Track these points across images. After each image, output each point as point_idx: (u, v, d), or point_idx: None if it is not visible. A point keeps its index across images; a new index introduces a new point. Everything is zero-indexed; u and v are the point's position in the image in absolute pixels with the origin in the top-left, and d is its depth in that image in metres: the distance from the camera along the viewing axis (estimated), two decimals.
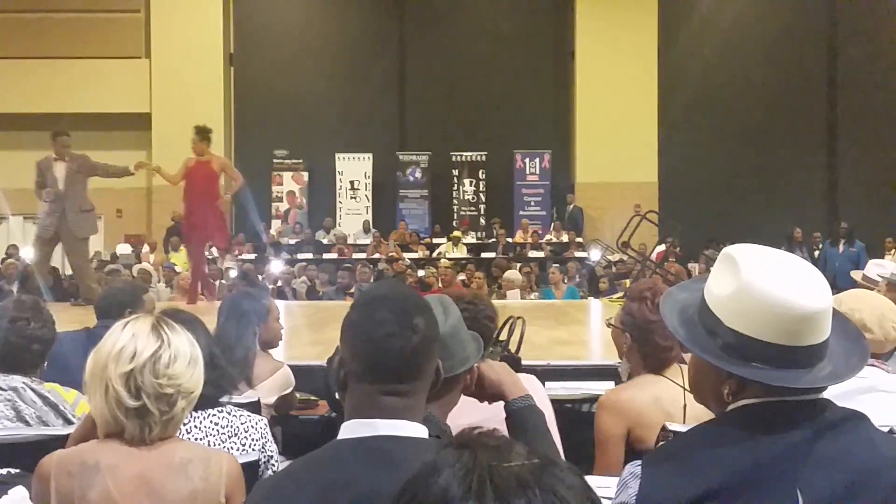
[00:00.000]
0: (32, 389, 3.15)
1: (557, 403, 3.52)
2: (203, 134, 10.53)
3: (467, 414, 2.51)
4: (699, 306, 1.89)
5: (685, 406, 2.79)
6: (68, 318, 4.14)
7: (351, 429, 1.79)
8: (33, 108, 19.13)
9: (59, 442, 2.70)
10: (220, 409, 2.87)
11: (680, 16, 20.16)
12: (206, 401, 2.71)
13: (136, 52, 20.02)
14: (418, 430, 1.79)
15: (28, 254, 16.22)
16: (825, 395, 1.85)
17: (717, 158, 19.53)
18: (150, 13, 19.91)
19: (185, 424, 2.67)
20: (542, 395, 3.23)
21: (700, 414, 1.99)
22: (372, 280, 13.43)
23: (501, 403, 2.52)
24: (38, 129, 19.44)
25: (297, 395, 4.53)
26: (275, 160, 19.90)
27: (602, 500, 1.13)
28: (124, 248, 17.65)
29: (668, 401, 2.99)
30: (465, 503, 1.00)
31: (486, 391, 2.44)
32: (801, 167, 19.58)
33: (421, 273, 14.47)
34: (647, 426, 2.99)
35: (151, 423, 2.18)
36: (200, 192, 10.41)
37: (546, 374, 4.50)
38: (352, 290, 12.98)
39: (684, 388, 2.80)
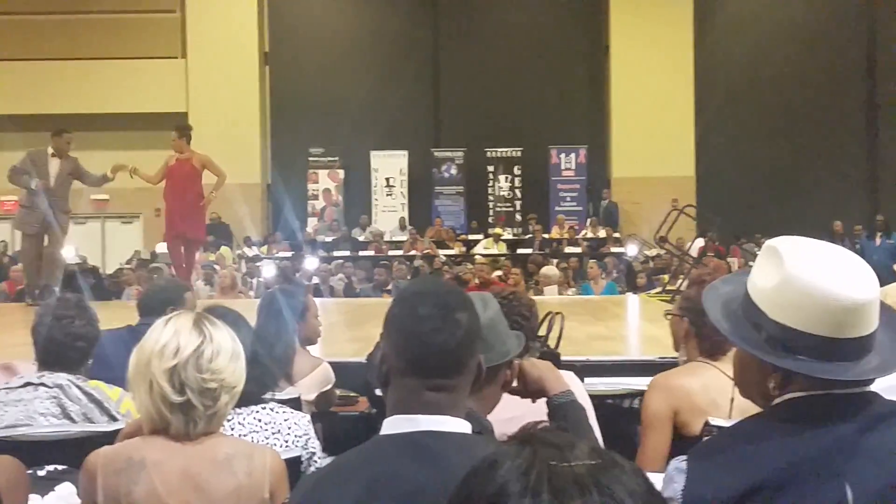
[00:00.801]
0: (77, 387, 3.18)
1: (597, 399, 3.51)
2: (182, 131, 10.58)
3: (506, 409, 2.52)
4: (742, 299, 1.88)
5: (732, 399, 2.78)
6: (111, 317, 4.18)
7: (393, 424, 1.79)
8: (70, 109, 19.31)
9: (105, 439, 2.73)
10: (262, 405, 2.89)
11: (715, 7, 19.99)
12: (249, 397, 2.73)
13: (172, 52, 20.19)
14: (461, 426, 1.79)
15: (70, 253, 16.44)
16: (872, 387, 1.83)
17: (756, 151, 19.34)
18: (185, 13, 20.06)
19: (228, 421, 2.69)
20: (580, 391, 3.22)
21: (747, 408, 1.97)
22: (408, 277, 13.46)
23: (542, 399, 2.53)
24: (74, 130, 19.64)
25: (337, 391, 4.55)
26: (310, 158, 19.98)
27: None
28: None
29: (716, 390, 2.98)
30: (522, 500, 0.99)
31: (528, 388, 2.46)
32: (840, 159, 19.35)
33: (457, 270, 14.47)
34: (693, 411, 3.00)
35: (196, 418, 2.20)
36: (182, 190, 10.42)
37: (585, 369, 4.47)
38: (389, 287, 13.03)
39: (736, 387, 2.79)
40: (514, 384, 2.48)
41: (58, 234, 10.16)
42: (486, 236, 18.72)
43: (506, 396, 2.49)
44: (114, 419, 3.17)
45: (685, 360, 3.27)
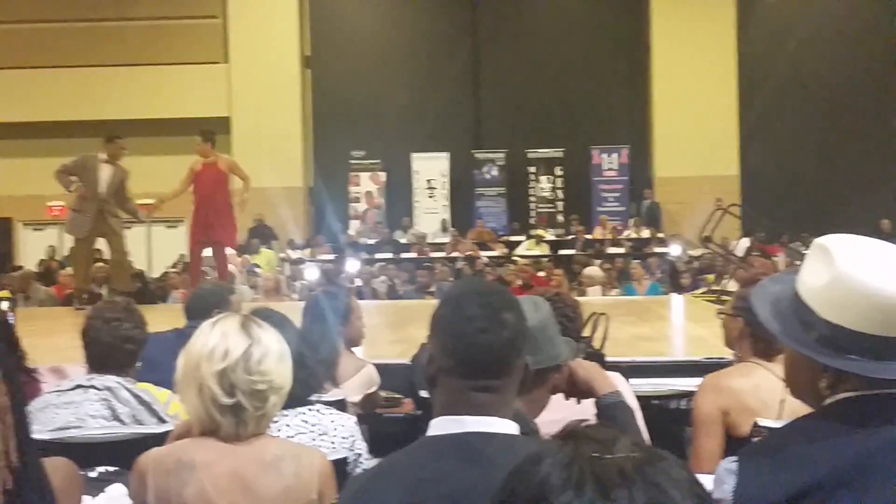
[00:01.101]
0: (127, 389, 3.22)
1: (643, 400, 3.49)
2: (207, 136, 10.50)
3: (552, 411, 2.52)
4: (792, 298, 1.86)
5: (783, 400, 2.74)
6: (157, 320, 4.22)
7: (440, 425, 1.79)
8: (114, 115, 19.55)
9: (154, 440, 2.76)
10: (309, 407, 2.91)
11: (758, 3, 19.78)
12: (296, 399, 2.74)
13: (214, 57, 20.38)
14: (508, 427, 1.79)
15: None
16: None
17: (801, 149, 19.10)
18: (227, 18, 20.25)
19: (275, 423, 2.71)
20: (627, 391, 3.21)
21: (797, 409, 1.95)
22: (451, 279, 13.47)
23: (588, 401, 2.52)
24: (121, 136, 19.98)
25: (382, 393, 4.56)
26: (352, 161, 20.06)
27: None
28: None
29: (767, 391, 2.95)
30: (564, 493, 0.98)
31: (576, 388, 2.46)
32: (887, 157, 19.04)
33: (500, 271, 14.46)
34: (743, 412, 2.97)
35: (246, 420, 2.22)
36: (209, 194, 10.38)
37: (630, 370, 4.45)
38: (431, 289, 13.04)
39: (787, 387, 2.76)
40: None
41: (121, 240, 10.30)
42: (528, 237, 18.67)
43: (552, 398, 2.49)
44: (162, 421, 3.20)
45: (739, 354, 3.25)
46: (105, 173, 10.14)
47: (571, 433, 1.07)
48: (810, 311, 1.80)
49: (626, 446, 1.03)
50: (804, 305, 1.82)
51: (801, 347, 1.80)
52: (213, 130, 10.86)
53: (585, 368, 2.48)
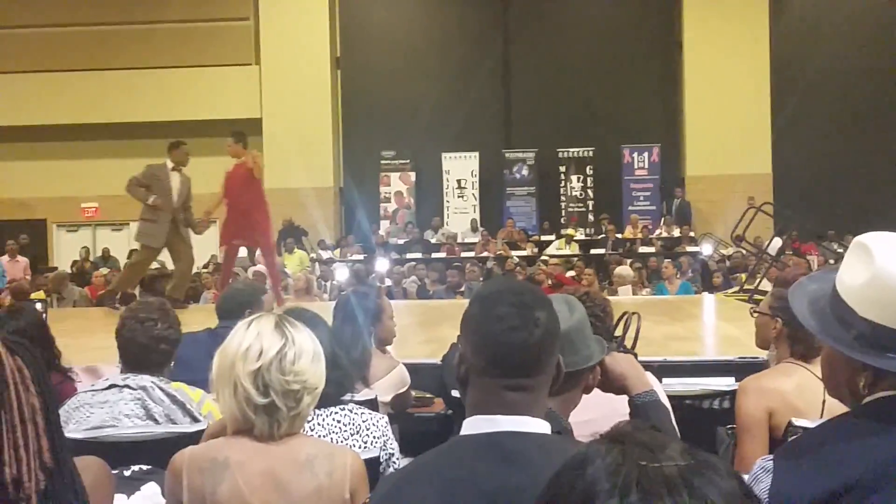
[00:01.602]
0: (161, 388, 3.24)
1: (676, 400, 3.47)
2: (237, 137, 10.35)
3: (584, 411, 2.50)
4: (830, 296, 1.84)
5: (824, 401, 2.71)
6: (189, 320, 4.26)
7: (473, 425, 1.78)
8: (147, 117, 19.77)
9: (187, 439, 2.77)
10: (342, 406, 2.92)
11: (791, 2, 19.62)
12: (329, 399, 2.75)
13: (245, 58, 20.51)
14: (541, 426, 1.78)
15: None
16: None
17: (835, 147, 18.92)
18: (258, 21, 20.36)
19: (308, 422, 2.72)
20: (659, 391, 3.19)
21: (839, 410, 1.93)
22: (481, 279, 13.46)
23: (618, 400, 2.51)
24: (151, 138, 20.10)
25: (413, 392, 4.56)
26: (382, 161, 20.11)
27: None
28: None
29: (809, 392, 2.91)
30: (610, 499, 0.98)
31: (611, 384, 2.43)
32: None
33: (530, 270, 14.42)
34: (788, 412, 2.92)
35: (280, 419, 2.23)
36: (238, 195, 10.25)
37: (662, 370, 4.43)
38: (462, 289, 13.04)
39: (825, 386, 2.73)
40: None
41: (190, 251, 10.28)
42: (558, 237, 18.62)
43: (585, 398, 2.48)
44: (196, 420, 3.22)
45: (776, 354, 3.20)
46: (175, 182, 10.07)
47: (621, 435, 1.06)
48: (849, 309, 1.78)
49: (676, 453, 1.02)
50: (843, 303, 1.80)
51: (839, 346, 1.79)
52: (243, 131, 10.81)
53: (621, 364, 2.45)
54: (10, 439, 1.59)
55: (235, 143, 10.31)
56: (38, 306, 4.60)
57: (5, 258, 15.94)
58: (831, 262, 12.17)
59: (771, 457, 1.78)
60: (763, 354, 4.15)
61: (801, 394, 2.94)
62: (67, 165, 20.24)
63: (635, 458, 1.00)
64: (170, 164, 10.16)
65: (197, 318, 6.18)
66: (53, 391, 1.72)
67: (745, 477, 1.80)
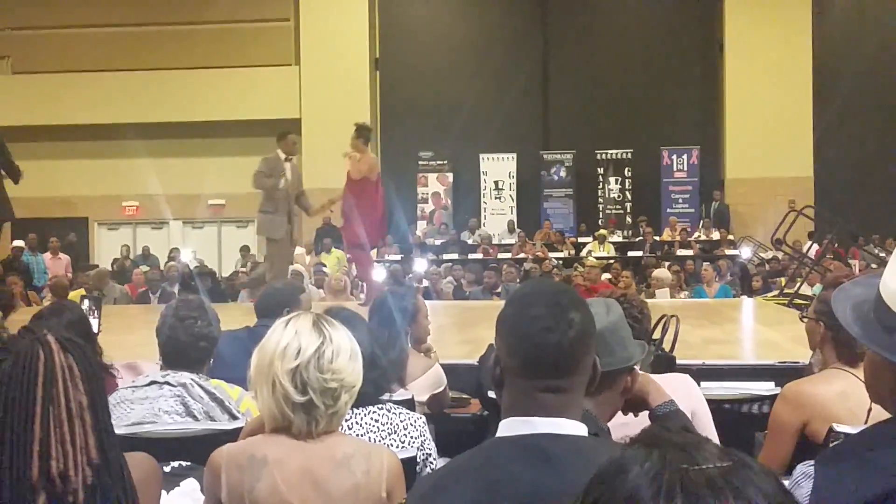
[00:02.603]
0: (200, 385, 3.27)
1: (715, 404, 3.45)
2: (360, 131, 10.16)
3: (619, 413, 2.51)
4: (875, 300, 1.81)
5: (870, 409, 2.66)
6: (227, 318, 4.28)
7: (509, 426, 1.78)
8: (187, 117, 19.98)
9: (226, 436, 2.80)
10: (379, 406, 2.93)
11: (834, 3, 19.40)
12: (367, 398, 2.76)
13: (286, 59, 20.65)
14: (577, 428, 1.77)
15: (188, 257, 16.93)
16: None
17: (877, 150, 18.68)
18: (299, 21, 20.48)
19: (346, 421, 2.73)
20: (697, 394, 3.17)
21: (884, 417, 1.90)
22: (518, 280, 13.44)
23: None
24: (191, 137, 20.37)
25: (450, 393, 4.56)
26: (420, 162, 20.14)
27: None
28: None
29: (854, 398, 2.86)
30: None
31: (631, 403, 2.45)
32: None
33: (567, 273, 14.38)
34: (826, 420, 2.88)
35: (318, 417, 2.24)
36: (349, 194, 10.15)
37: (701, 373, 4.40)
38: (498, 290, 13.03)
39: (868, 391, 2.68)
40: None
41: (288, 246, 10.21)
42: (593, 238, 18.55)
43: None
44: (234, 417, 3.25)
45: (821, 360, 3.16)
46: (288, 172, 9.98)
47: (655, 439, 1.05)
48: (892, 313, 1.76)
49: (713, 454, 1.01)
50: (886, 307, 1.77)
51: (881, 350, 1.76)
52: (369, 126, 10.45)
53: (639, 382, 2.47)
54: (57, 434, 1.63)
55: (356, 139, 10.08)
56: (86, 304, 4.62)
57: (47, 255, 16.15)
58: (873, 266, 12.01)
59: (812, 462, 1.76)
60: (804, 359, 4.11)
61: (844, 400, 2.89)
62: (109, 164, 20.47)
63: (676, 462, 1.00)
64: (282, 155, 10.06)
65: (235, 316, 6.23)
66: (103, 389, 1.75)
67: (783, 481, 1.79)
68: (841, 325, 2.73)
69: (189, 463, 2.83)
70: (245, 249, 18.42)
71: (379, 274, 14.15)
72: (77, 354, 1.68)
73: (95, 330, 4.32)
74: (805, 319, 3.18)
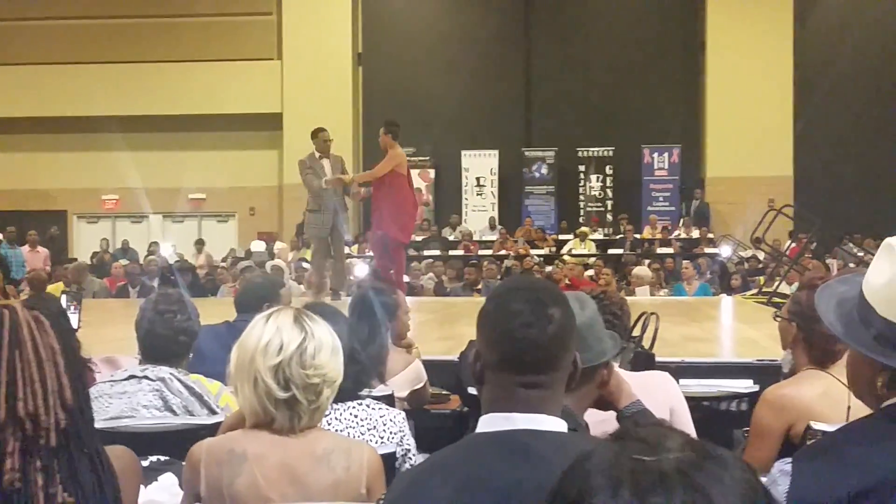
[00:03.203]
0: (179, 380, 3.26)
1: (694, 401, 3.46)
2: (388, 127, 10.09)
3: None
4: (858, 298, 1.83)
5: (849, 407, 2.67)
6: (207, 313, 4.27)
7: (489, 422, 1.78)
8: (168, 111, 19.90)
9: (205, 431, 2.79)
10: (359, 401, 2.93)
11: (816, 3, 19.51)
12: (346, 394, 2.75)
13: (268, 53, 20.58)
14: (557, 424, 1.77)
15: (167, 251, 16.85)
16: None
17: (856, 150, 18.81)
18: (281, 16, 20.42)
19: (325, 416, 2.73)
20: (675, 391, 3.18)
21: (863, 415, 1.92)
22: (499, 277, 13.45)
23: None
24: (172, 131, 20.27)
25: (429, 389, 4.57)
26: None
27: None
28: (258, 246, 18.14)
29: (833, 398, 2.87)
30: (604, 495, 0.96)
31: (602, 401, 2.51)
32: None
33: (548, 269, 14.41)
34: (809, 421, 2.89)
35: (300, 413, 2.24)
36: (376, 186, 10.15)
37: (680, 371, 4.42)
38: (479, 287, 13.03)
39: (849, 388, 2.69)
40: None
41: (341, 246, 10.19)
42: (574, 236, 18.59)
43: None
44: (213, 412, 3.24)
45: (791, 360, 3.17)
46: (327, 169, 9.98)
47: (622, 432, 1.06)
48: (871, 308, 1.77)
49: (676, 445, 1.00)
50: (866, 303, 1.79)
51: (858, 345, 1.78)
52: (395, 122, 10.36)
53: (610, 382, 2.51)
54: (25, 376, 1.60)
55: (384, 135, 10.03)
56: (64, 300, 4.58)
57: (26, 248, 16.05)
58: (851, 265, 12.09)
59: (789, 459, 1.77)
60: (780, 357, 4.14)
61: (825, 401, 2.89)
62: (89, 157, 20.36)
63: (632, 453, 0.99)
64: (317, 153, 10.09)
65: (216, 311, 6.21)
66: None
67: (762, 479, 1.80)
68: (813, 327, 2.76)
69: (167, 458, 2.82)
70: (200, 243, 18.33)
71: (361, 269, 14.14)
72: (46, 314, 1.67)
73: (75, 326, 4.30)
74: (778, 319, 3.19)
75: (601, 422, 2.47)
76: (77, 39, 20.52)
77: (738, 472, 0.99)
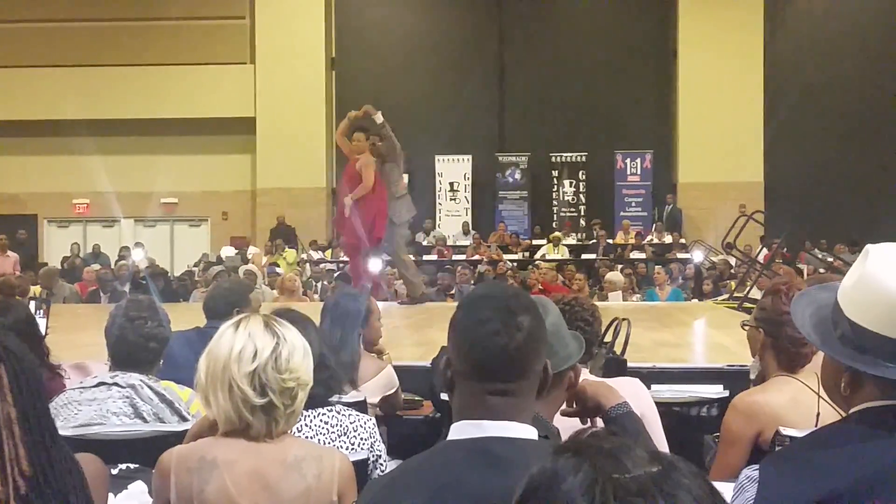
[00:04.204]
0: (149, 387, 3.23)
1: (665, 407, 3.47)
2: (368, 131, 10.20)
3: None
4: (833, 306, 1.85)
5: (818, 414, 2.68)
6: (179, 318, 4.24)
7: (460, 430, 1.78)
8: (140, 114, 19.77)
9: (176, 438, 2.77)
10: (329, 408, 2.92)
11: (786, 9, 19.69)
12: (317, 400, 2.75)
13: (241, 57, 20.50)
14: (527, 432, 1.78)
15: (139, 256, 16.72)
16: None
17: (827, 157, 18.98)
18: (254, 20, 20.35)
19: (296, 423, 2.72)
20: (646, 397, 3.19)
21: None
22: (472, 282, 13.46)
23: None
24: (144, 135, 20.14)
25: (402, 395, 4.56)
26: None
27: None
28: (229, 251, 18.04)
29: (803, 404, 2.89)
30: None
31: (586, 408, 2.47)
32: None
33: (522, 275, 14.43)
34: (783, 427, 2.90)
35: (277, 418, 2.24)
36: (344, 192, 10.21)
37: (651, 376, 4.44)
38: (452, 292, 13.04)
39: (818, 395, 2.70)
40: (573, 407, 2.50)
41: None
42: (548, 241, 18.64)
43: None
44: (184, 419, 3.21)
45: (758, 366, 3.18)
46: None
47: (584, 446, 1.06)
48: (839, 310, 1.79)
49: (643, 459, 1.03)
50: (837, 305, 1.81)
51: (822, 345, 1.80)
52: (367, 127, 10.43)
53: (592, 386, 2.50)
54: None
55: (366, 140, 10.12)
56: (32, 305, 4.54)
57: None
58: (821, 270, 12.19)
59: (756, 466, 1.78)
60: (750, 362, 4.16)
61: (794, 407, 2.90)
62: (59, 161, 20.18)
63: (607, 471, 1.01)
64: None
65: (187, 317, 6.17)
66: (42, 397, 1.72)
67: (730, 485, 1.81)
68: (779, 332, 2.78)
69: (137, 465, 2.80)
70: (139, 245, 18.03)
71: (333, 274, 14.10)
72: (10, 364, 1.65)
73: (43, 332, 4.25)
74: (746, 327, 3.21)
75: (572, 429, 2.47)
76: (48, 42, 20.35)
77: (698, 479, 1.03)
